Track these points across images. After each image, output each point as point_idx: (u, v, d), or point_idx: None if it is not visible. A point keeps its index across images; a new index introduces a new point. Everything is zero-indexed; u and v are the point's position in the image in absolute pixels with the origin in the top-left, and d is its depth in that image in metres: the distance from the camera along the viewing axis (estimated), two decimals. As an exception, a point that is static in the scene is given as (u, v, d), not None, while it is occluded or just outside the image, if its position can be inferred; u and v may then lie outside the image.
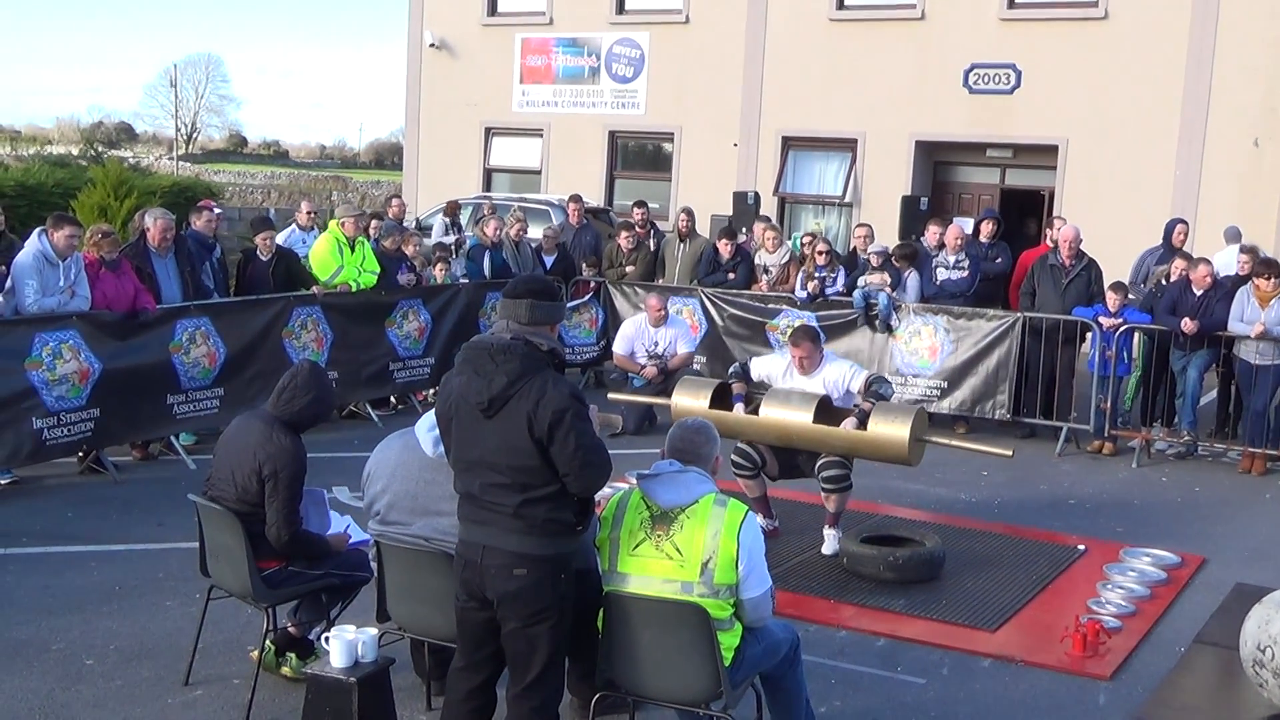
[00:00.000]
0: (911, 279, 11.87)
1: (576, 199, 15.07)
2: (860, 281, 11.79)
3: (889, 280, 11.65)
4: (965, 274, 11.80)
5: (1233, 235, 14.02)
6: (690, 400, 8.09)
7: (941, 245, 12.03)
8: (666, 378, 11.30)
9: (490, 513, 4.25)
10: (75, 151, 33.26)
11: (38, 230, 8.76)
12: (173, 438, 9.64)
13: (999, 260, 12.49)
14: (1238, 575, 7.61)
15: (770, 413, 7.70)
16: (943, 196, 20.17)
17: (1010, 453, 7.86)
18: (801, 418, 7.57)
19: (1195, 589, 7.43)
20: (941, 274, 11.84)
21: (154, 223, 9.66)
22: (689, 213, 13.84)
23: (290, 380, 5.51)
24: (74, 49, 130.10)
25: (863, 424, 7.46)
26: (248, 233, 11.98)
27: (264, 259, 10.87)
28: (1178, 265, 11.19)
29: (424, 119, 23.82)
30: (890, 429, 7.44)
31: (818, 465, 7.67)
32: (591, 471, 4.23)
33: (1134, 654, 6.33)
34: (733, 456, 7.76)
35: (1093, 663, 6.15)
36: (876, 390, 7.58)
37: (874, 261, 11.85)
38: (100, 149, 41.39)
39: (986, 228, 12.74)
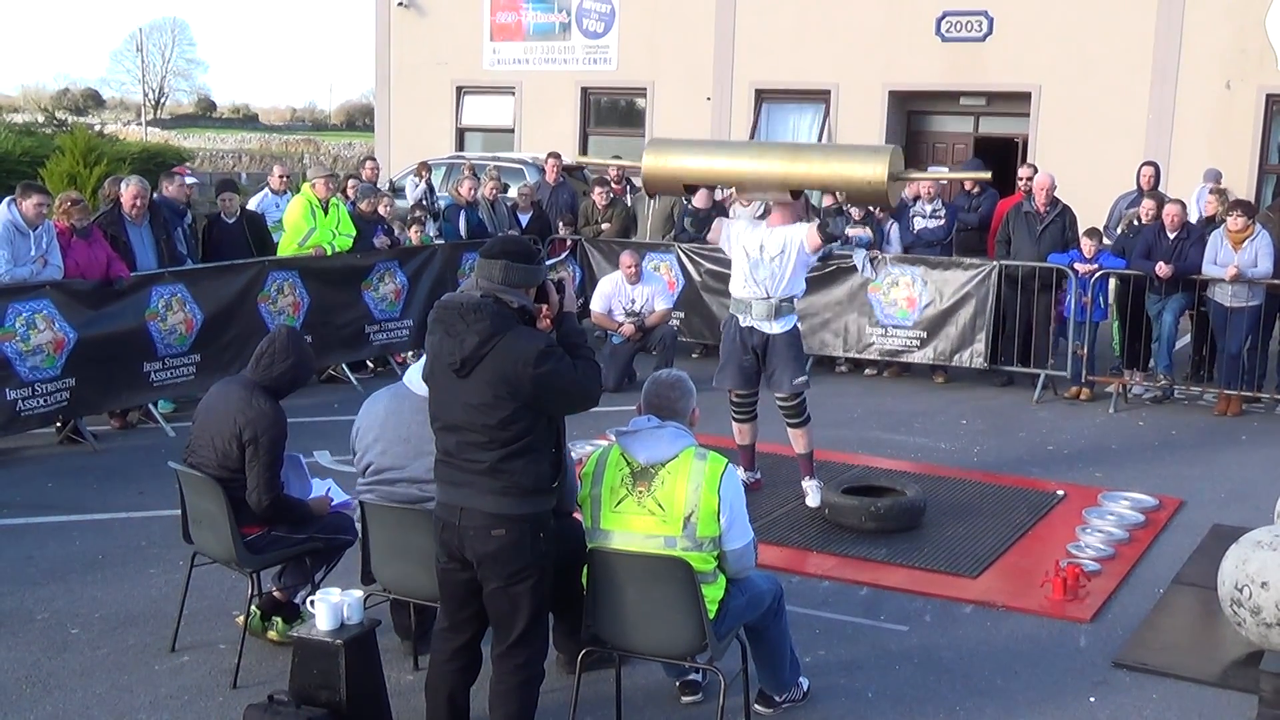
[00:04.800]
0: (894, 230, 11.91)
1: (555, 156, 14.98)
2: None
3: (869, 237, 11.65)
4: (942, 223, 11.82)
5: (1212, 176, 14.06)
6: (659, 158, 7.65)
7: (917, 195, 12.04)
8: (645, 335, 11.32)
9: (466, 473, 4.24)
10: (40, 119, 32.80)
11: (6, 199, 8.66)
12: (151, 405, 9.60)
13: (980, 210, 12.46)
14: (1215, 517, 7.71)
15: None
16: (917, 146, 20.15)
17: (989, 175, 7.75)
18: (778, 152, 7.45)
19: (1173, 531, 7.50)
20: (919, 223, 11.86)
21: (126, 189, 9.56)
22: None
23: (269, 346, 5.50)
24: (39, 16, 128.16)
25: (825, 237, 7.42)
26: (214, 198, 11.91)
27: (228, 221, 10.78)
28: (1146, 206, 11.23)
29: (394, 79, 23.62)
30: (871, 160, 7.17)
31: (775, 394, 7.68)
32: (583, 392, 4.27)
33: (1113, 596, 6.40)
34: (732, 399, 7.87)
35: (1073, 606, 6.22)
36: (829, 231, 7.41)
37: (855, 215, 11.85)
38: (66, 116, 40.86)
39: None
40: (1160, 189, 12.28)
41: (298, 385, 5.64)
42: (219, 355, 9.81)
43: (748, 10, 20.13)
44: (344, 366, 11.45)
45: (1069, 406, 10.92)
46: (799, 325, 7.89)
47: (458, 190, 13.32)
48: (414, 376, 5.08)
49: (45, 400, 8.61)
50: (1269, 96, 17.07)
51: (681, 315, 12.36)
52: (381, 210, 11.98)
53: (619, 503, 4.45)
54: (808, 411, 7.79)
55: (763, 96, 20.44)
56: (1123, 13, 17.53)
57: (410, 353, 11.66)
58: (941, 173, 7.63)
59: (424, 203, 14.32)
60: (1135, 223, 11.31)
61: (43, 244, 8.67)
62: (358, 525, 5.28)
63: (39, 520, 7.39)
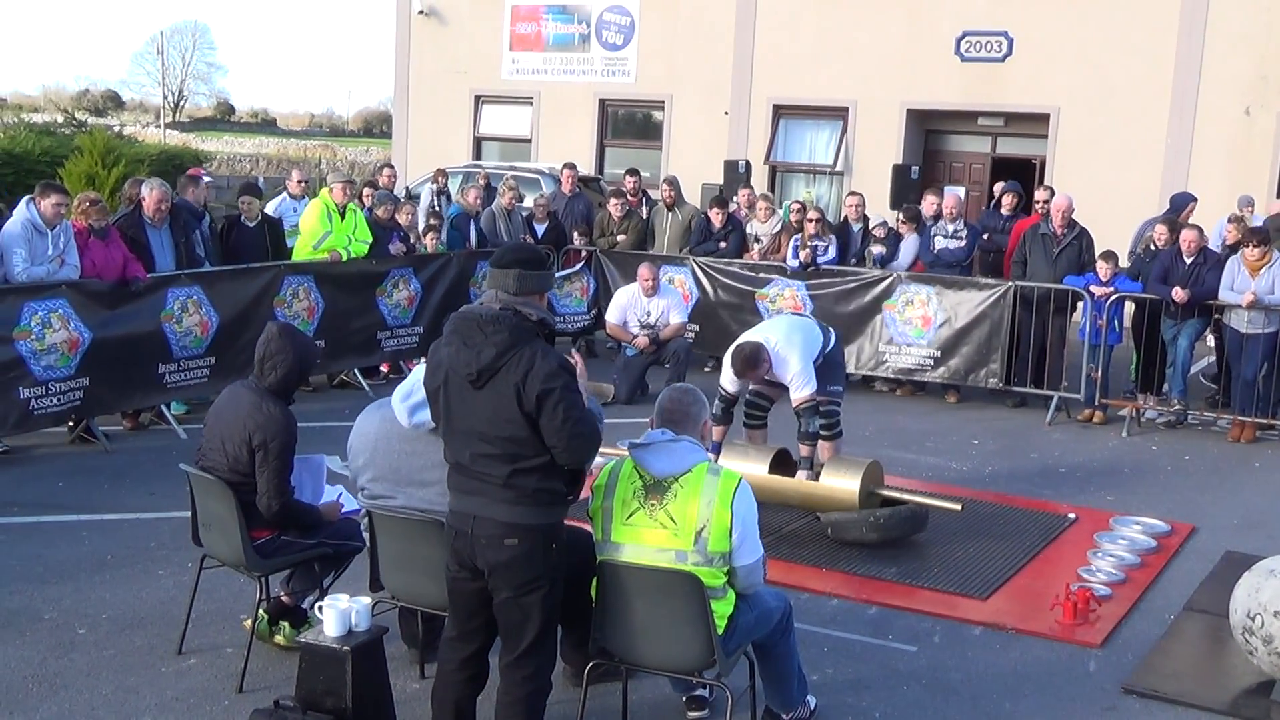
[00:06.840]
0: (908, 242, 11.93)
1: (571, 167, 14.99)
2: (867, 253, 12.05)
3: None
4: (963, 243, 11.78)
5: (1245, 203, 14.04)
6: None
7: (938, 215, 11.99)
8: (659, 347, 11.31)
9: (480, 483, 4.24)
10: (60, 120, 32.96)
11: (25, 198, 8.69)
12: (164, 407, 9.61)
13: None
14: (1227, 543, 7.67)
15: (727, 465, 7.62)
16: (934, 165, 20.15)
17: (959, 507, 7.62)
18: (756, 470, 7.51)
19: (1185, 557, 7.47)
20: (939, 243, 11.82)
21: (150, 192, 9.58)
22: (670, 183, 13.75)
23: (265, 349, 5.41)
24: (60, 17, 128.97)
25: (816, 475, 7.53)
26: (235, 200, 11.97)
27: (249, 225, 10.81)
28: (1160, 231, 11.18)
29: (413, 86, 23.67)
30: (841, 482, 7.44)
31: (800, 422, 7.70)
32: (580, 444, 4.21)
33: (1124, 621, 6.36)
34: (744, 407, 7.96)
35: (1083, 630, 6.18)
36: (805, 430, 7.55)
37: (879, 234, 11.96)
38: (85, 117, 41.04)
39: (1009, 200, 12.60)
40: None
41: (304, 379, 5.63)
42: (234, 358, 9.81)
43: (767, 26, 20.14)
44: (355, 372, 11.48)
45: (1082, 429, 10.88)
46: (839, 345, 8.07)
47: (465, 198, 13.33)
48: (399, 401, 5.02)
49: (58, 399, 8.63)
50: (1289, 123, 17.03)
51: (696, 329, 12.34)
52: (400, 218, 12.02)
53: (630, 515, 4.44)
54: (840, 426, 7.88)
55: (780, 112, 20.45)
56: (1143, 36, 17.50)
57: (420, 359, 11.66)
58: (914, 498, 7.66)
59: (435, 209, 14.31)
60: (1152, 247, 11.28)
61: (60, 244, 8.69)
62: (365, 534, 5.27)
63: (48, 519, 7.40)
